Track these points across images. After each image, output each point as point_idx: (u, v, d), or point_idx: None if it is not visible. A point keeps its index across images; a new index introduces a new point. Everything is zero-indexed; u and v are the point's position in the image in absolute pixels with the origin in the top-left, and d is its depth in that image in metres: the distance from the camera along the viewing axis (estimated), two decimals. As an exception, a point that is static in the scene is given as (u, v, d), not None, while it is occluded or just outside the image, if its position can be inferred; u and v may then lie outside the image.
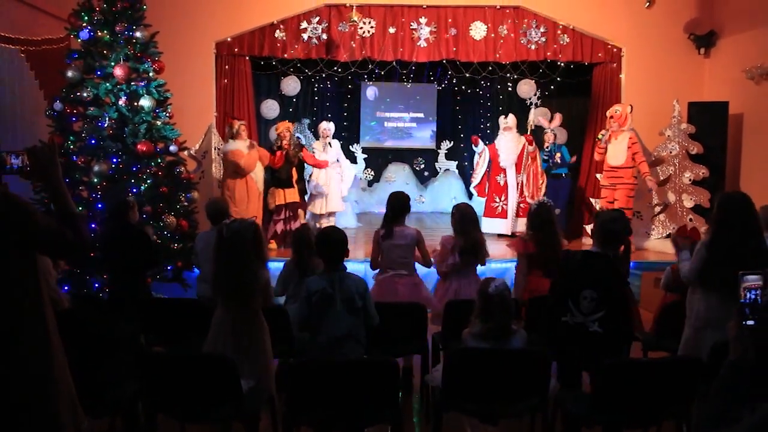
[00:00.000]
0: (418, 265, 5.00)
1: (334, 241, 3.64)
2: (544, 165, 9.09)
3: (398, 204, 4.86)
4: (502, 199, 8.88)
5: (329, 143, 8.61)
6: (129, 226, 4.99)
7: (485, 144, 9.16)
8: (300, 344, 4.27)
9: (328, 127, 8.66)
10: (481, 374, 3.28)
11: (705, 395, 3.18)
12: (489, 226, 8.88)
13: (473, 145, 9.11)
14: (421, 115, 12.01)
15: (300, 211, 8.19)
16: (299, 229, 4.83)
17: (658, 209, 8.39)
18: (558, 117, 9.15)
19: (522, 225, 8.52)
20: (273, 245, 8.00)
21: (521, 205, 8.78)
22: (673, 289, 4.53)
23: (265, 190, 8.05)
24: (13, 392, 2.01)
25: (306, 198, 8.60)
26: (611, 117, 8.11)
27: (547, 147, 8.99)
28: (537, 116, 9.12)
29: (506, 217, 8.87)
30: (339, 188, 8.71)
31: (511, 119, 8.98)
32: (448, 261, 4.78)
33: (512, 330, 3.46)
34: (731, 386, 1.77)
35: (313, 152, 8.66)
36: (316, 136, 10.54)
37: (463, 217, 4.80)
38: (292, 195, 8.05)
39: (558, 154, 8.85)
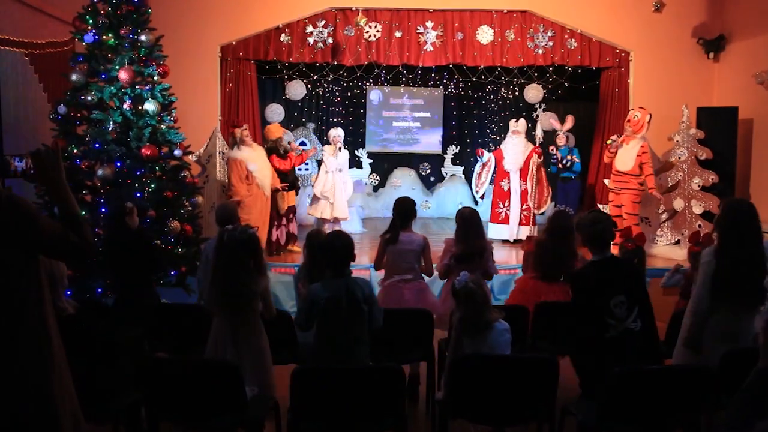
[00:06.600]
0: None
1: (338, 247, 3.58)
2: (553, 169, 9.01)
3: (405, 209, 4.83)
4: (506, 205, 8.77)
5: (339, 149, 8.57)
6: (128, 231, 4.94)
7: (491, 151, 9.06)
8: (302, 349, 4.23)
9: (338, 134, 8.60)
10: (484, 382, 3.24)
11: (716, 403, 3.15)
12: (494, 231, 8.81)
13: (478, 156, 9.00)
14: (427, 119, 11.95)
15: (293, 215, 8.17)
16: (311, 234, 4.66)
17: (665, 216, 8.30)
18: (570, 119, 9.08)
19: (524, 233, 8.47)
20: (296, 248, 7.95)
21: (524, 213, 8.66)
22: (686, 295, 4.47)
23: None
24: (12, 406, 1.96)
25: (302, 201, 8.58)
26: (628, 120, 8.02)
27: (553, 151, 8.92)
28: (548, 119, 9.04)
29: (509, 223, 8.79)
30: (344, 195, 8.65)
31: (522, 124, 8.85)
32: (443, 262, 4.78)
33: (490, 320, 3.41)
34: (759, 394, 1.72)
35: (322, 158, 8.65)
36: (321, 141, 10.54)
37: (465, 223, 4.76)
38: (292, 198, 8.09)
39: (570, 157, 8.80)
